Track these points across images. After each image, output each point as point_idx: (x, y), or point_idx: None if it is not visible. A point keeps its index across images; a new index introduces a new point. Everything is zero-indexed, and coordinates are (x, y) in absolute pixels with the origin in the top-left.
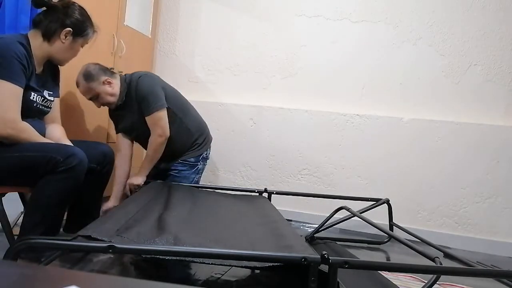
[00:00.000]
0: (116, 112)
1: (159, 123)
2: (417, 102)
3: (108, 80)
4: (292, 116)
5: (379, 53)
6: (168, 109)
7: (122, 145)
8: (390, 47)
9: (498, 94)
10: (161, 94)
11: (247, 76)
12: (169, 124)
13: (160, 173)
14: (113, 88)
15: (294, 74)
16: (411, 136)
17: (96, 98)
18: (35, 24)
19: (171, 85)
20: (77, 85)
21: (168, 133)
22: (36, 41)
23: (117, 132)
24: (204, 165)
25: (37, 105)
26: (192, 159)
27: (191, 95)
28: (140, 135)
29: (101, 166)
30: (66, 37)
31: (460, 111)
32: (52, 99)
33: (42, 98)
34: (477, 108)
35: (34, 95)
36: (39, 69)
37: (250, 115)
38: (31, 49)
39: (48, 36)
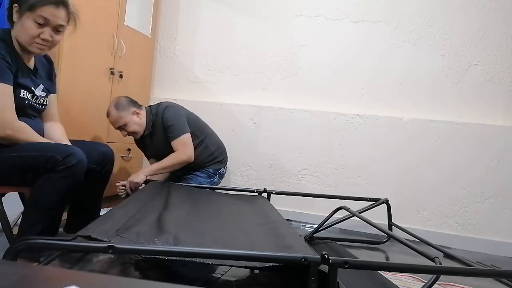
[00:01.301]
0: (142, 141)
1: (185, 145)
2: (417, 102)
3: (137, 111)
4: (292, 116)
5: (379, 53)
6: (191, 133)
7: None
8: (390, 47)
9: (498, 94)
10: (185, 121)
11: (247, 76)
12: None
13: (174, 179)
14: (140, 119)
15: (294, 74)
16: (411, 136)
17: (124, 127)
18: None
19: (172, 84)
20: (108, 114)
21: (193, 157)
22: (13, 34)
23: (148, 159)
24: (220, 180)
25: (29, 102)
26: (211, 170)
27: (191, 95)
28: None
29: (101, 166)
30: (17, 15)
31: (460, 111)
32: (44, 95)
33: (33, 95)
34: (477, 108)
35: (24, 92)
36: (29, 64)
37: (250, 115)
38: (13, 44)
39: (10, 23)
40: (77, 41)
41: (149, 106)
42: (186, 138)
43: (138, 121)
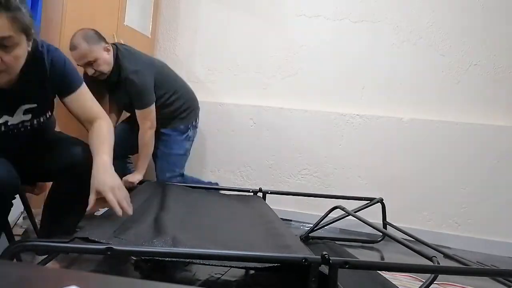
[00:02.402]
0: (103, 84)
1: (149, 117)
2: (417, 102)
3: (107, 47)
4: (292, 116)
5: (379, 53)
6: (161, 95)
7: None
8: (390, 47)
9: (498, 94)
10: (151, 89)
11: (247, 76)
12: (157, 101)
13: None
14: (110, 57)
15: (294, 74)
16: (411, 136)
17: (92, 63)
18: None
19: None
20: (73, 47)
21: (155, 124)
22: None
23: (109, 112)
24: (195, 133)
25: (8, 134)
26: (182, 126)
27: None
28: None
29: (70, 171)
30: None
31: (460, 111)
32: (30, 117)
33: (9, 125)
34: (477, 108)
35: None
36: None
37: (250, 115)
38: None
39: None
40: None
41: (114, 44)
42: (151, 110)
43: (108, 59)
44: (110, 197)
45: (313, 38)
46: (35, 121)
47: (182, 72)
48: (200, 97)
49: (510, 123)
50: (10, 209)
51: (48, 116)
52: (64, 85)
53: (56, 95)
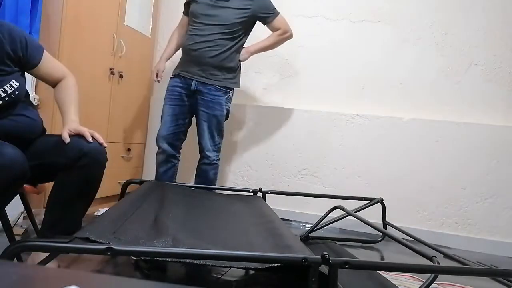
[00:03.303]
0: None
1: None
2: (417, 102)
3: None
4: (292, 116)
5: (379, 53)
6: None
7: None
8: (390, 47)
9: (498, 94)
10: None
11: (247, 76)
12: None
13: (189, 93)
14: None
15: (294, 74)
16: (411, 136)
17: None
18: None
19: None
20: None
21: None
22: None
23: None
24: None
25: None
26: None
27: None
28: None
29: (74, 161)
30: None
31: (460, 111)
32: None
33: None
34: (477, 108)
35: None
36: None
37: (250, 115)
38: None
39: None
40: (77, 41)
41: None
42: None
43: None
44: (83, 128)
45: (313, 38)
46: (0, 93)
47: None
48: None
49: (510, 123)
50: (14, 196)
51: (13, 88)
52: (30, 58)
53: (24, 71)
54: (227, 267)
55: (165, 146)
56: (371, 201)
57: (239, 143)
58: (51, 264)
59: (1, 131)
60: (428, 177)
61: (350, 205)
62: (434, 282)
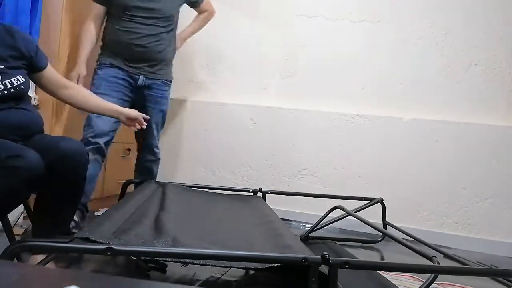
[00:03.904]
0: None
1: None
2: (417, 102)
3: None
4: (292, 116)
5: (379, 53)
6: None
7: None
8: (390, 47)
9: (498, 94)
10: None
11: (247, 76)
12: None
13: (134, 89)
14: None
15: (294, 74)
16: (411, 136)
17: None
18: None
19: (172, 84)
20: None
21: None
22: None
23: None
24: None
25: None
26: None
27: (191, 95)
28: None
29: (58, 166)
30: None
31: (460, 111)
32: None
33: None
34: (477, 108)
35: None
36: None
37: (250, 115)
38: None
39: None
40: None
41: None
42: None
43: None
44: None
45: (313, 38)
46: (7, 83)
47: (182, 72)
48: (200, 97)
49: (510, 123)
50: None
51: (19, 81)
52: (38, 61)
53: (30, 72)
54: (227, 267)
55: (103, 143)
56: (371, 201)
57: (239, 143)
58: (51, 264)
59: (4, 119)
60: (428, 177)
61: (350, 205)
62: (434, 282)
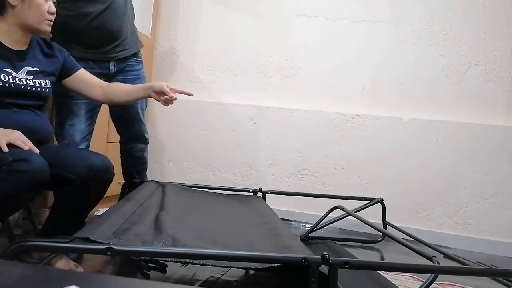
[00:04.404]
0: None
1: None
2: (417, 102)
3: None
4: (292, 116)
5: (379, 53)
6: None
7: None
8: (390, 47)
9: (498, 94)
10: None
11: (247, 76)
12: None
13: (106, 78)
14: None
15: (294, 74)
16: (411, 136)
17: None
18: None
19: (172, 85)
20: None
21: None
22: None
23: None
24: None
25: (9, 84)
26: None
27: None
28: None
29: (81, 179)
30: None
31: (460, 111)
32: (31, 77)
33: (13, 77)
34: (477, 108)
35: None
36: (16, 47)
37: (250, 115)
38: None
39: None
40: None
41: None
42: None
43: None
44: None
45: (313, 38)
46: (36, 82)
47: (182, 72)
48: (200, 97)
49: (510, 123)
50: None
51: (47, 85)
52: (71, 63)
53: (60, 78)
54: (227, 267)
55: (84, 146)
56: (371, 201)
57: (239, 143)
58: (65, 260)
59: (20, 121)
60: (428, 177)
61: (350, 205)
62: (434, 282)
